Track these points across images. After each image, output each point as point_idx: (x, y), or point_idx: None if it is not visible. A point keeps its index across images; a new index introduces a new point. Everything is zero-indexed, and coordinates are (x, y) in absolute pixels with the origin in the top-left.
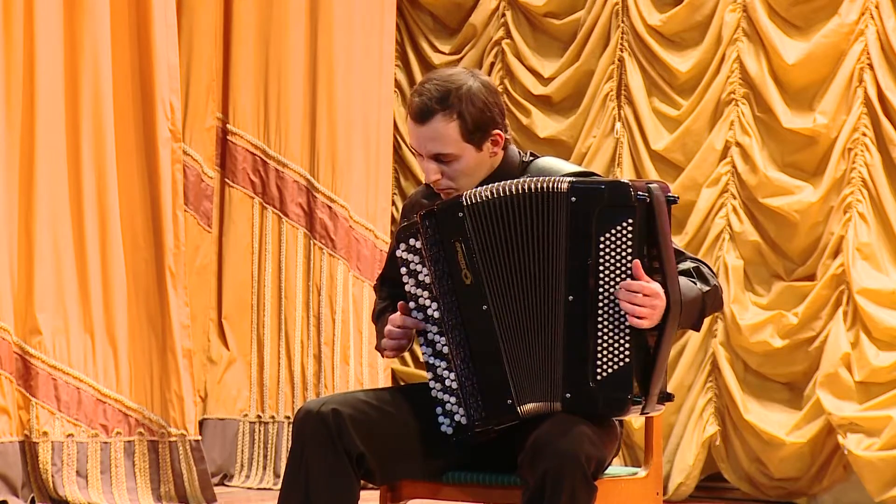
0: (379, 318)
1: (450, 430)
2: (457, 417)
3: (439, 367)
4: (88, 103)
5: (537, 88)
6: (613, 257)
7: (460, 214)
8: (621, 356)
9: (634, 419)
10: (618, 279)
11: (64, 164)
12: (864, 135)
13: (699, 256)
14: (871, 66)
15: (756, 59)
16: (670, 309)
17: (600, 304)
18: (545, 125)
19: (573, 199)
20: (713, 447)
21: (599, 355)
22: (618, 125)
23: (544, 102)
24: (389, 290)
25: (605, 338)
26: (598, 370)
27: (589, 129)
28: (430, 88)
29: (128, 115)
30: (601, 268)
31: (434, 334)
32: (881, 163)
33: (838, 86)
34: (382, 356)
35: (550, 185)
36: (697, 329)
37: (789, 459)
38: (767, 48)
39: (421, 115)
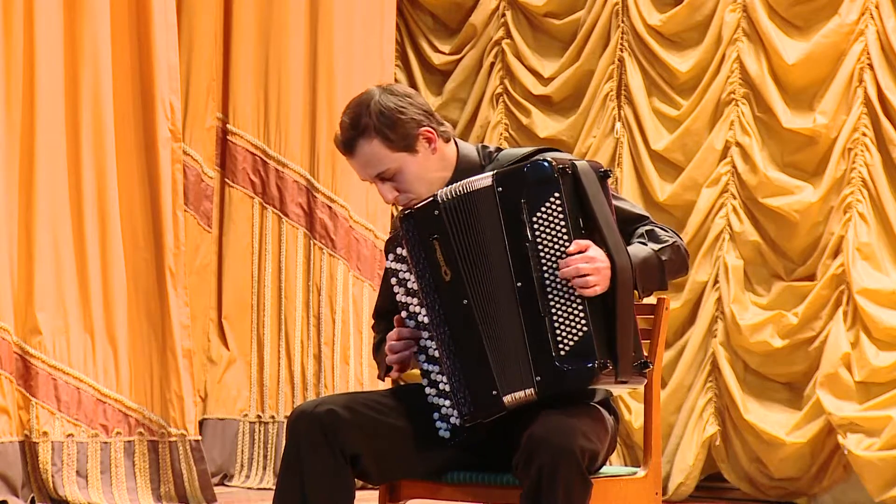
0: (377, 349)
1: (447, 435)
2: (452, 420)
3: (433, 371)
4: (88, 103)
5: (537, 88)
6: (549, 233)
7: (436, 212)
8: (578, 327)
9: (634, 419)
10: (557, 254)
11: (64, 164)
12: (864, 135)
13: (699, 256)
14: (871, 66)
15: (756, 59)
16: (616, 271)
17: (546, 283)
18: (545, 125)
19: (499, 188)
20: (713, 447)
21: (558, 332)
22: (618, 125)
23: (544, 102)
24: (386, 324)
25: (559, 313)
26: (560, 346)
27: (589, 129)
28: (344, 120)
29: (128, 115)
30: (539, 246)
31: (426, 340)
32: (881, 163)
33: (838, 86)
34: (383, 381)
35: (478, 181)
36: (665, 288)
37: (789, 459)
38: (767, 48)
39: (346, 147)
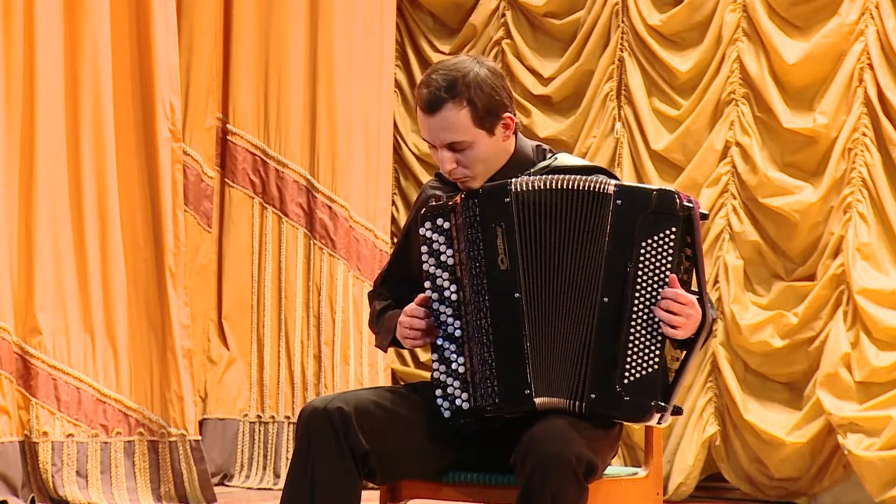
0: (379, 317)
1: (448, 414)
2: (458, 402)
3: (448, 349)
4: (88, 103)
5: (537, 88)
6: (653, 264)
7: (507, 199)
8: (650, 363)
9: None
10: (655, 286)
11: (64, 164)
12: (864, 135)
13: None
14: (871, 66)
15: (756, 59)
16: (704, 325)
17: (635, 310)
18: (545, 125)
19: (618, 201)
20: (713, 447)
21: (629, 360)
22: (618, 125)
23: (544, 102)
24: (391, 290)
25: (637, 343)
26: (626, 374)
27: (589, 129)
28: (436, 79)
29: (128, 115)
30: (640, 273)
31: (448, 316)
32: (881, 163)
33: (838, 86)
34: (385, 351)
35: (596, 186)
36: (693, 354)
37: (789, 459)
38: (767, 48)
39: (431, 106)
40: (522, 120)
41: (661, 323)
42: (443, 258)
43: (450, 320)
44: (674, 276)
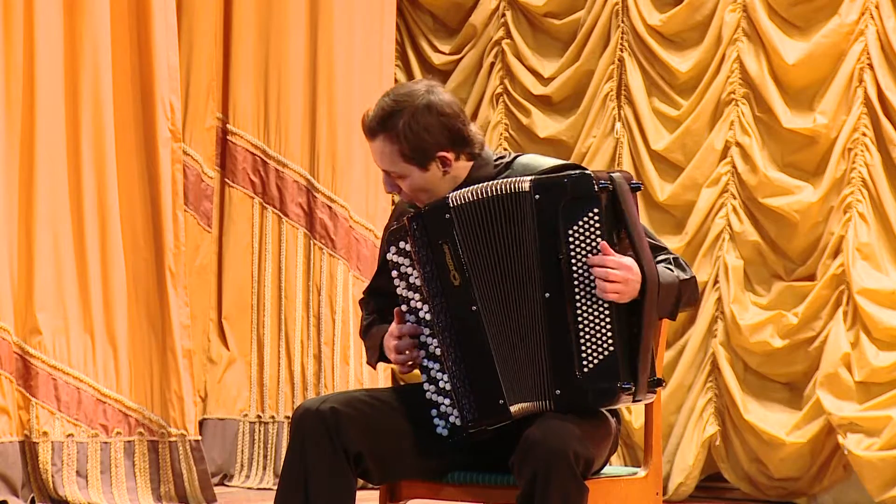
0: (367, 332)
1: (445, 433)
2: (451, 419)
3: (433, 369)
4: (88, 103)
5: (537, 88)
6: (584, 249)
7: (447, 216)
8: (605, 345)
9: (634, 419)
10: (591, 270)
11: (64, 164)
12: (864, 135)
13: (699, 256)
14: (871, 66)
15: (756, 59)
16: (647, 286)
17: (577, 297)
18: (545, 125)
19: (536, 196)
20: (713, 447)
21: (583, 348)
22: (618, 125)
23: (544, 102)
24: (376, 302)
25: (587, 329)
26: (584, 363)
27: (589, 129)
28: (379, 105)
29: (128, 115)
30: (573, 261)
31: (427, 336)
32: (881, 163)
33: (838, 86)
34: (375, 367)
35: (514, 185)
36: (673, 318)
37: (789, 459)
38: (767, 48)
39: (367, 132)
40: (522, 120)
41: (605, 292)
42: (412, 280)
43: (429, 340)
44: (604, 243)
